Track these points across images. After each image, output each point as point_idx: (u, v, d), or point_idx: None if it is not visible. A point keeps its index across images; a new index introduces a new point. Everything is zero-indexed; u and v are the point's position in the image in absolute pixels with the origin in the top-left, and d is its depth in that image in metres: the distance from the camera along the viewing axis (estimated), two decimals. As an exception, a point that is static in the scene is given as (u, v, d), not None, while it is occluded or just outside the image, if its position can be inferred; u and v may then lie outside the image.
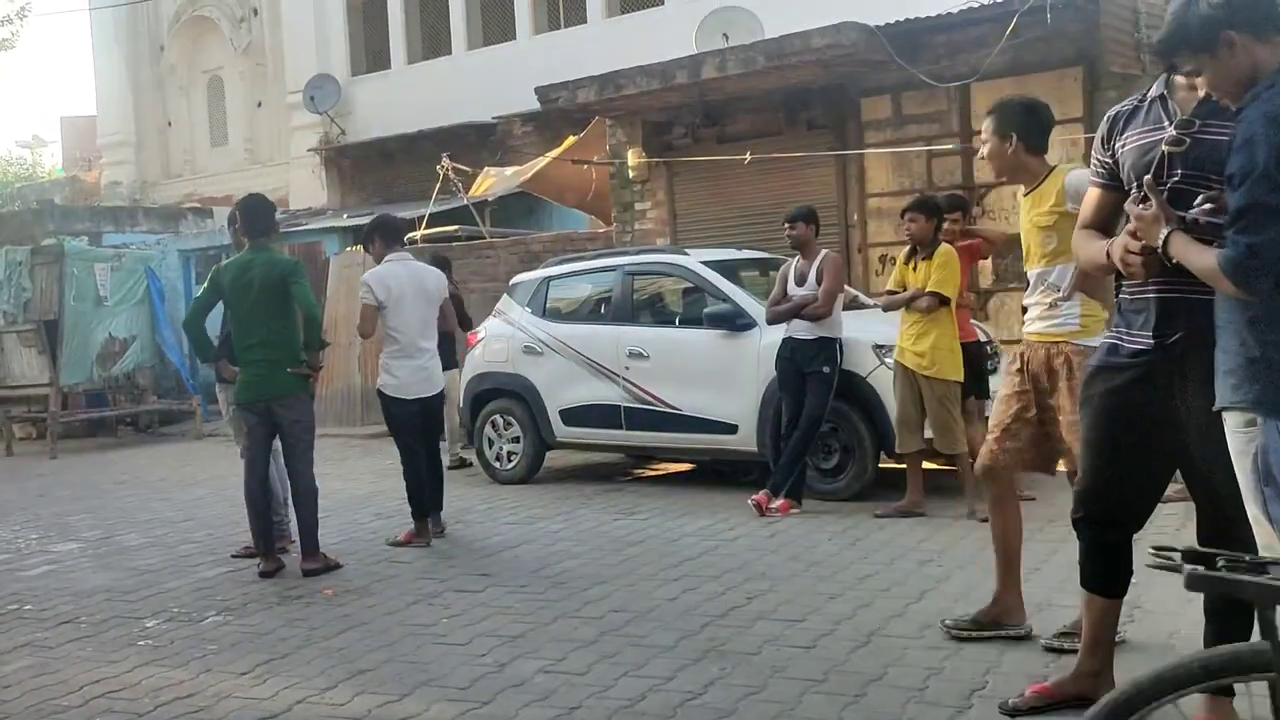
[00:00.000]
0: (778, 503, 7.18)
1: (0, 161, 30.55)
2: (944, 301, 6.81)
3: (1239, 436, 2.87)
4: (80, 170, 26.08)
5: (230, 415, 6.93)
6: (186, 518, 8.23)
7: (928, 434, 7.01)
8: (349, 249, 14.67)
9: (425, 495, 6.92)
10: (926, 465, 7.39)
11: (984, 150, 4.54)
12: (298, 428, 6.31)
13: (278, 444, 6.46)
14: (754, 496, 7.25)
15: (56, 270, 13.86)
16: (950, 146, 10.16)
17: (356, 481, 9.43)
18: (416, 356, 6.85)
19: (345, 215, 16.87)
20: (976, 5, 9.62)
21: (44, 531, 8.08)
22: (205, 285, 6.63)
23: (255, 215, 6.50)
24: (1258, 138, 2.67)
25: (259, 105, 20.89)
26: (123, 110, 22.29)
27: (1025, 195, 4.45)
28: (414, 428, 6.94)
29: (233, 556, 6.79)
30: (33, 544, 7.64)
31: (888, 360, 7.39)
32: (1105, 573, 3.56)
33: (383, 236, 7.10)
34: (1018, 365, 4.30)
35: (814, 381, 7.25)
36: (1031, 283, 4.38)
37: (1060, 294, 4.24)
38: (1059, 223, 4.22)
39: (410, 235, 13.72)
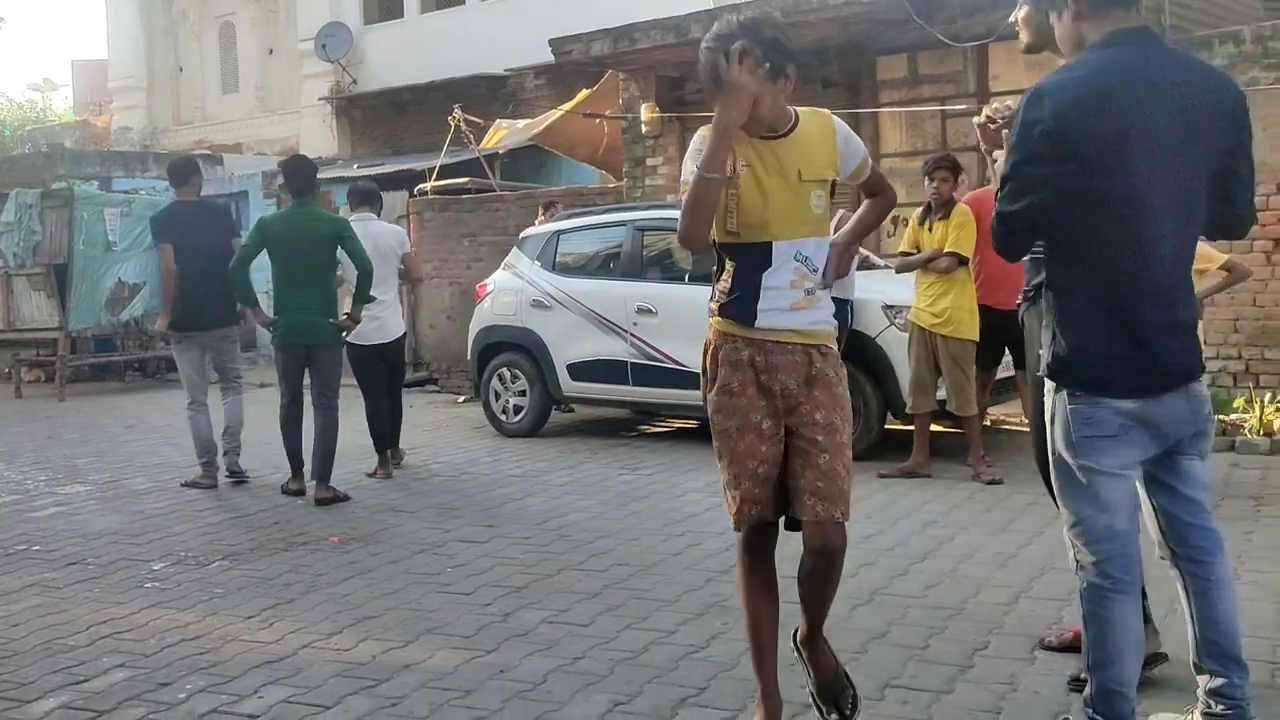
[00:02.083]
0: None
1: (11, 104, 30.44)
2: (963, 261, 6.79)
3: (1046, 406, 2.99)
4: (91, 114, 25.98)
5: (183, 363, 7.56)
6: (193, 463, 8.25)
7: (940, 395, 7.01)
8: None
9: (384, 430, 7.67)
10: (935, 426, 7.39)
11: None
12: (330, 370, 7.04)
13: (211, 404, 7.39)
14: None
15: (66, 214, 13.83)
16: (965, 107, 10.06)
17: (356, 433, 9.45)
18: (372, 307, 7.32)
19: (356, 165, 16.82)
20: (997, -36, 9.49)
21: (52, 473, 8.12)
22: (250, 235, 7.12)
23: (299, 174, 7.11)
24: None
25: (270, 52, 20.78)
26: (134, 55, 22.19)
27: None
28: (372, 371, 7.65)
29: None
30: (41, 485, 7.68)
31: (898, 321, 7.37)
32: None
33: (350, 201, 8.02)
34: None
35: None
36: None
37: None
38: None
39: (420, 186, 13.71)
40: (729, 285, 3.09)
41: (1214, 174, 2.78)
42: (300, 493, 6.93)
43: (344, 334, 7.11)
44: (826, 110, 3.21)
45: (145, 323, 14.29)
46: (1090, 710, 2.92)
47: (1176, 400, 2.80)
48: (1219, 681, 2.93)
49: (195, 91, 22.05)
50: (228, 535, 6.03)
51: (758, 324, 3.05)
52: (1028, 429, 6.38)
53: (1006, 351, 7.11)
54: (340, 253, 7.06)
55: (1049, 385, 2.92)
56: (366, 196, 7.98)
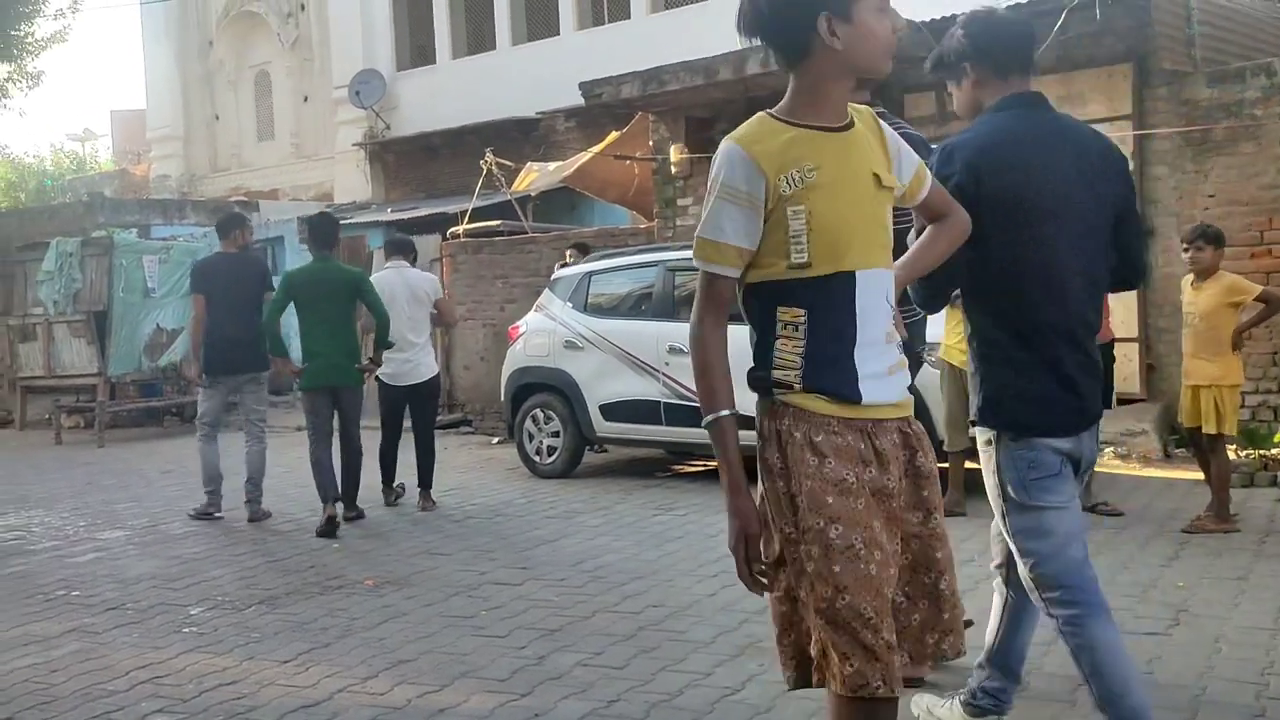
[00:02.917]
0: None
1: (52, 154, 31.01)
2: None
3: (981, 451, 3.08)
4: (129, 163, 26.46)
5: (205, 401, 8.07)
6: (229, 507, 8.30)
7: (973, 432, 6.95)
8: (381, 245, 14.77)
9: (392, 464, 8.16)
10: (969, 464, 7.32)
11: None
12: (354, 409, 7.64)
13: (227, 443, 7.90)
14: None
15: (106, 262, 14.06)
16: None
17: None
18: (405, 350, 7.91)
19: (389, 209, 17.00)
20: (1024, 0, 9.51)
21: (91, 519, 8.20)
22: (278, 289, 7.62)
23: (321, 230, 7.68)
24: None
25: (305, 100, 21.09)
26: (171, 104, 22.58)
27: None
28: (398, 410, 8.11)
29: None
30: (81, 531, 7.76)
31: (929, 359, 7.33)
32: None
33: (385, 250, 8.61)
34: None
35: None
36: None
37: None
38: None
39: (453, 229, 13.83)
40: (804, 343, 2.32)
41: (1111, 226, 3.00)
42: (333, 526, 7.17)
43: (365, 376, 7.70)
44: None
45: (183, 367, 14.45)
46: None
47: (1089, 436, 3.03)
48: (994, 684, 3.36)
49: (231, 139, 22.40)
50: (264, 579, 6.07)
51: (865, 399, 2.32)
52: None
53: None
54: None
55: (985, 434, 3.03)
56: (400, 246, 8.45)
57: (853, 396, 2.30)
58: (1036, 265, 2.89)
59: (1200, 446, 6.38)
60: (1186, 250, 6.34)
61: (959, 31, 3.08)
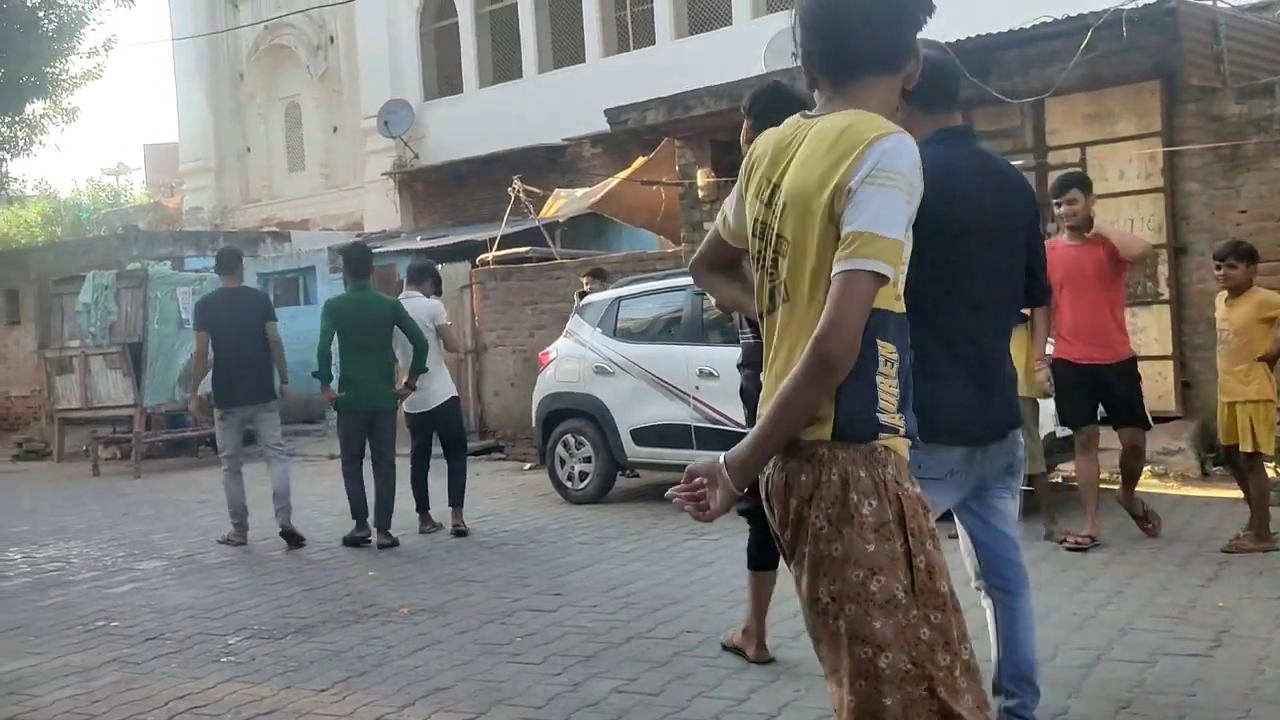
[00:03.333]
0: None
1: (88, 188, 31.46)
2: (1022, 319, 6.72)
3: None
4: (163, 196, 26.82)
5: (219, 436, 8.34)
6: (264, 536, 8.36)
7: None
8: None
9: (424, 491, 8.17)
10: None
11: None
12: (387, 430, 7.95)
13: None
14: None
15: (141, 294, 14.23)
16: (1023, 163, 10.03)
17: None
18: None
19: (419, 238, 17.12)
20: (1049, 20, 9.50)
21: (129, 549, 8.28)
22: (322, 320, 7.94)
23: (356, 259, 8.03)
24: None
25: (335, 130, 21.32)
26: (203, 137, 22.88)
27: None
28: (421, 438, 8.22)
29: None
30: (119, 561, 7.83)
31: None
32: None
33: (406, 278, 8.67)
34: None
35: None
36: None
37: None
38: None
39: (482, 256, 13.92)
40: (899, 381, 2.18)
41: (1023, 250, 3.27)
42: (365, 540, 7.66)
43: (400, 399, 7.98)
44: None
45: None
46: None
47: (999, 448, 3.17)
48: (1013, 701, 3.32)
49: (262, 171, 22.66)
50: (300, 608, 6.10)
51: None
52: (1109, 486, 6.30)
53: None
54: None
55: None
56: (415, 275, 8.66)
57: (915, 440, 2.23)
58: (960, 281, 3.09)
59: (1237, 464, 6.32)
60: (1219, 268, 6.30)
61: None
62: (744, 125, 4.11)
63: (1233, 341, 6.23)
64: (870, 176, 2.05)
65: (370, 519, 7.75)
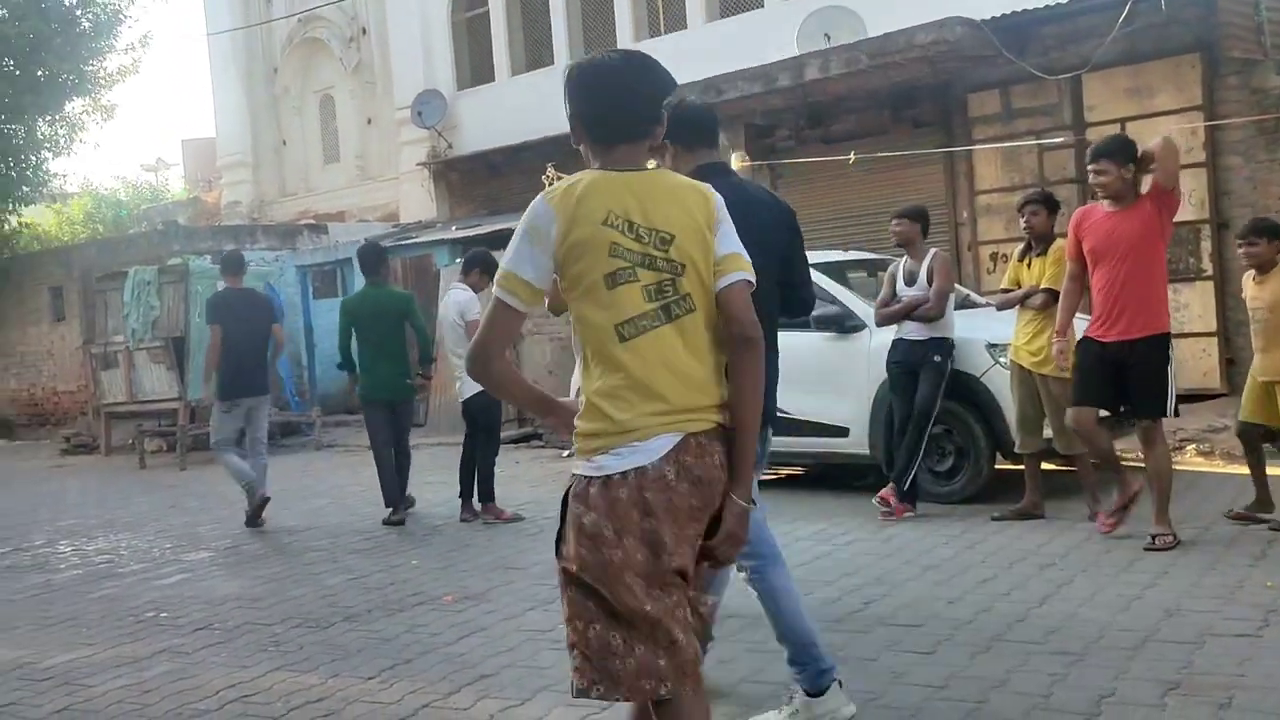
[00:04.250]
0: (893, 506, 7.11)
1: (127, 184, 31.80)
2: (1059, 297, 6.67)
3: None
4: (201, 191, 27.05)
5: (217, 423, 8.88)
6: (308, 526, 8.47)
7: (1047, 433, 6.87)
8: (459, 260, 14.93)
9: (469, 478, 8.36)
10: (1045, 466, 7.23)
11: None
12: (407, 418, 8.65)
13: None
14: (881, 494, 7.18)
15: (182, 289, 14.40)
16: (1062, 140, 9.93)
17: (441, 485, 9.60)
18: (456, 370, 8.38)
19: (454, 228, 17.19)
20: (1087, -6, 9.40)
21: (176, 541, 8.40)
22: (340, 318, 8.57)
23: (368, 258, 8.63)
24: None
25: (369, 122, 21.41)
26: (240, 131, 23.05)
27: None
28: (469, 423, 8.38)
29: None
30: (167, 553, 7.95)
31: (1002, 360, 7.26)
32: None
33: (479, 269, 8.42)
34: None
35: (925, 371, 7.13)
36: None
37: None
38: None
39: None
40: None
41: (778, 269, 3.80)
42: (401, 522, 8.19)
43: (418, 388, 8.76)
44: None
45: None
46: None
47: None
48: (802, 658, 3.72)
49: (299, 163, 22.81)
50: (345, 597, 6.17)
51: None
52: (1144, 465, 6.24)
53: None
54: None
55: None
56: (463, 267, 8.63)
57: None
58: None
59: (1253, 442, 6.35)
60: (1240, 246, 6.27)
61: None
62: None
63: (1267, 319, 6.14)
64: (723, 216, 2.70)
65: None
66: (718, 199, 2.73)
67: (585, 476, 2.56)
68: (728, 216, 2.70)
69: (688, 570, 2.57)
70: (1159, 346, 5.83)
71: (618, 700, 2.55)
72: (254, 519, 8.54)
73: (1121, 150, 5.88)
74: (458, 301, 8.35)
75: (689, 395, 2.55)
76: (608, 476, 2.50)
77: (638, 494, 2.48)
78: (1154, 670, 4.04)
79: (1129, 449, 8.21)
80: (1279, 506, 6.26)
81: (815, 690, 3.70)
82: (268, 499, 8.64)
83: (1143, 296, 5.77)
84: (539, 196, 2.68)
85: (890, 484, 7.17)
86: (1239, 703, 3.68)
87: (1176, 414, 6.15)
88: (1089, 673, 4.08)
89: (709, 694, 4.16)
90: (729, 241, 2.68)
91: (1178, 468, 7.92)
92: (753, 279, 2.66)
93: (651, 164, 2.90)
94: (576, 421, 2.62)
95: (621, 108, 2.71)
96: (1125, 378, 5.82)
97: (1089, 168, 5.99)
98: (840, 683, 3.73)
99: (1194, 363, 9.75)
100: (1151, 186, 5.77)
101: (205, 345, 14.21)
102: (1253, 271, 6.25)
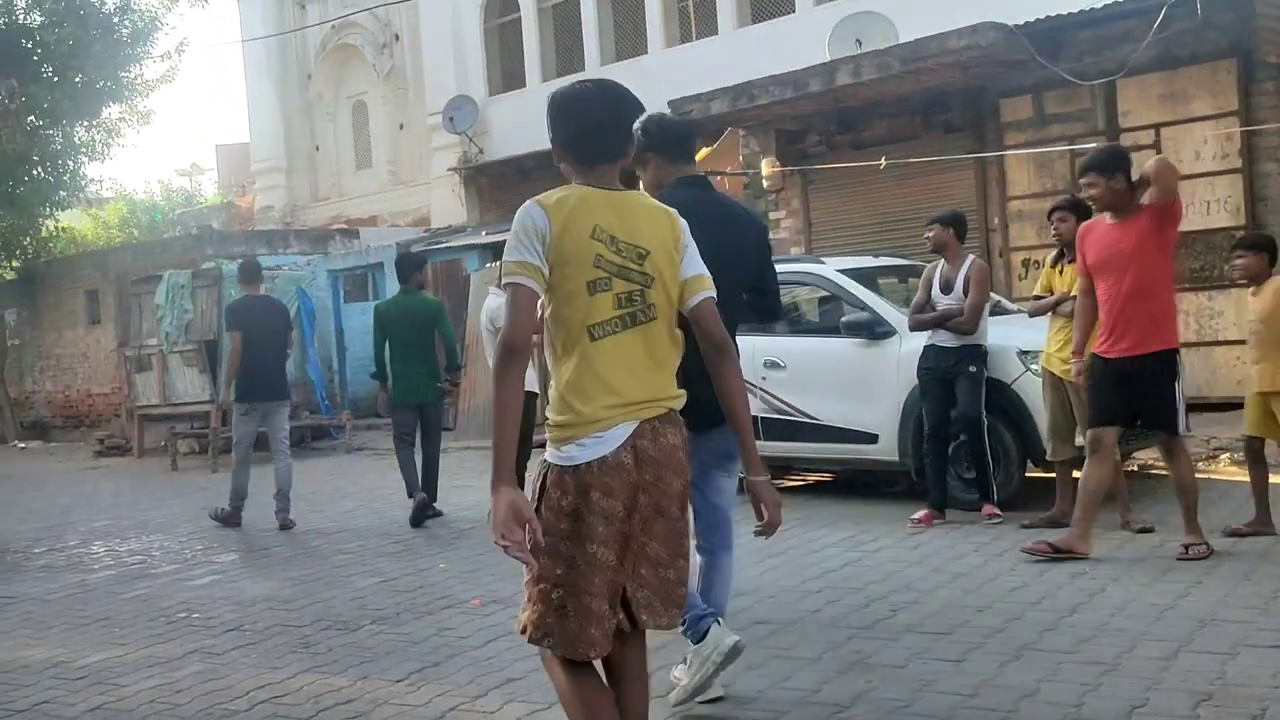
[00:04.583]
0: (920, 513, 7.07)
1: (162, 189, 32.12)
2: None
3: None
4: (235, 195, 27.28)
5: (240, 425, 9.15)
6: (339, 528, 8.51)
7: (1078, 441, 6.81)
8: (488, 265, 14.98)
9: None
10: (1076, 474, 7.17)
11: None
12: (435, 420, 8.85)
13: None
14: (917, 515, 7.14)
15: (215, 292, 14.53)
16: (1095, 145, 9.86)
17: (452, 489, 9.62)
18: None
19: (484, 232, 17.25)
20: (1121, 0, 9.33)
21: (207, 542, 8.47)
22: (374, 325, 8.79)
23: (401, 267, 8.99)
24: None
25: (401, 128, 21.55)
26: (274, 137, 23.25)
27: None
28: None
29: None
30: (198, 554, 8.02)
31: (1033, 367, 7.21)
32: None
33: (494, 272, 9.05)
34: None
35: (963, 383, 7.10)
36: None
37: None
38: None
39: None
40: None
41: (752, 274, 4.14)
42: (421, 513, 8.33)
43: (447, 392, 9.07)
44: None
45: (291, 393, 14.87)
46: None
47: (712, 435, 3.80)
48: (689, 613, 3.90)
49: (331, 169, 22.98)
50: (374, 599, 6.20)
51: None
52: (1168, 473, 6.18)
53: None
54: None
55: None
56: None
57: None
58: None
59: (1258, 456, 6.32)
60: (1232, 260, 6.33)
61: (638, 131, 3.75)
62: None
63: (1261, 331, 6.09)
64: (688, 240, 3.08)
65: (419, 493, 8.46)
66: (683, 223, 3.09)
67: (559, 466, 2.93)
68: (691, 239, 3.07)
69: (642, 541, 2.98)
70: (1166, 362, 5.72)
71: (560, 655, 2.96)
72: (283, 517, 8.76)
73: (1109, 162, 5.77)
74: (488, 309, 8.39)
75: (642, 390, 2.94)
76: (576, 465, 2.89)
77: (600, 479, 2.88)
78: (1187, 681, 4.00)
79: (1154, 459, 8.13)
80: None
81: (698, 636, 3.98)
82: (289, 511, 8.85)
83: (1147, 310, 5.66)
84: (531, 201, 2.99)
85: (927, 507, 7.12)
86: (1272, 714, 3.64)
87: (1188, 429, 6.15)
88: (1121, 683, 4.04)
89: (736, 700, 4.16)
90: (695, 263, 3.07)
91: (1213, 477, 7.86)
92: (714, 294, 3.08)
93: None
94: (548, 414, 2.98)
95: (602, 132, 3.05)
96: (1134, 392, 5.73)
97: (1079, 181, 5.98)
98: (719, 620, 4.02)
99: (1228, 371, 9.65)
100: (1149, 200, 5.67)
101: (228, 351, 14.53)
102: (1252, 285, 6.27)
